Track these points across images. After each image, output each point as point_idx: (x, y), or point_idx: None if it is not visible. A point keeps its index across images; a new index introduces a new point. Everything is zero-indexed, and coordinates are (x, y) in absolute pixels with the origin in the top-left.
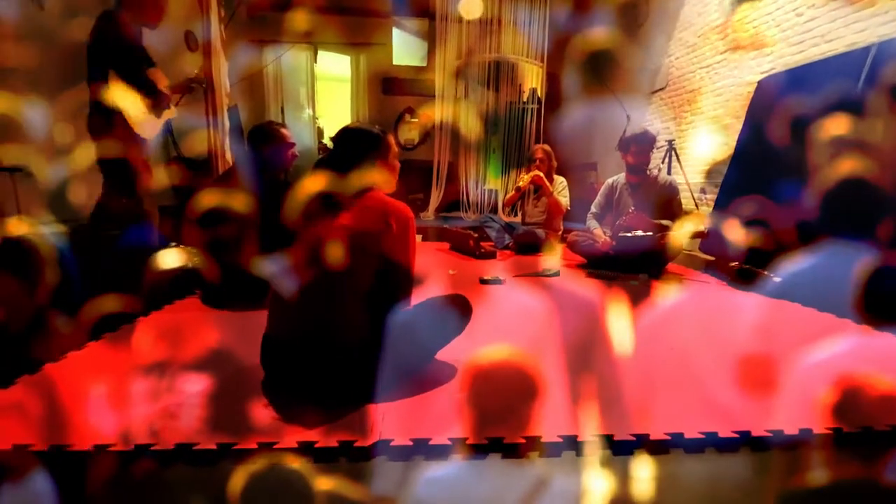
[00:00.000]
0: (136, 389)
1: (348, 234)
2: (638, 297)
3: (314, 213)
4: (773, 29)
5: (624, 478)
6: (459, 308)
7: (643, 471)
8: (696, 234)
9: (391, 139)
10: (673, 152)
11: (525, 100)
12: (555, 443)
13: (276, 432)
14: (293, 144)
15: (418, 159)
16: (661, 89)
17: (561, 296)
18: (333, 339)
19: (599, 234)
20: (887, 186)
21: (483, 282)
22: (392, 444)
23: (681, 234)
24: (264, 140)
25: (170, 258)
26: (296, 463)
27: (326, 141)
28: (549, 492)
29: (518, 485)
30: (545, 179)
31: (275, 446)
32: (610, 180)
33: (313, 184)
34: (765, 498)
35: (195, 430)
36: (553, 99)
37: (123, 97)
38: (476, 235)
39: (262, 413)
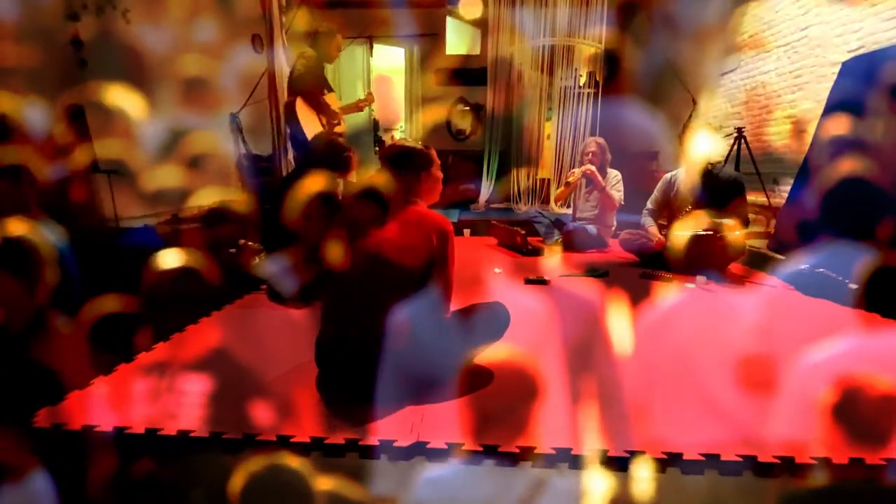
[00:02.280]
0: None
1: (392, 248)
2: (691, 301)
3: (364, 222)
4: (864, 3)
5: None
6: (498, 316)
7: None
8: (761, 234)
9: (433, 153)
10: (742, 140)
11: (581, 84)
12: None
13: (326, 428)
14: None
15: (471, 150)
16: (731, 71)
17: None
18: (377, 345)
19: (654, 231)
20: None
21: (528, 282)
22: (429, 446)
23: (741, 233)
24: (338, 156)
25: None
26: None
27: (381, 133)
28: (547, 494)
29: (516, 487)
30: (597, 174)
31: (325, 441)
32: (668, 175)
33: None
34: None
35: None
36: (612, 82)
37: (304, 115)
38: (523, 232)
39: (312, 409)
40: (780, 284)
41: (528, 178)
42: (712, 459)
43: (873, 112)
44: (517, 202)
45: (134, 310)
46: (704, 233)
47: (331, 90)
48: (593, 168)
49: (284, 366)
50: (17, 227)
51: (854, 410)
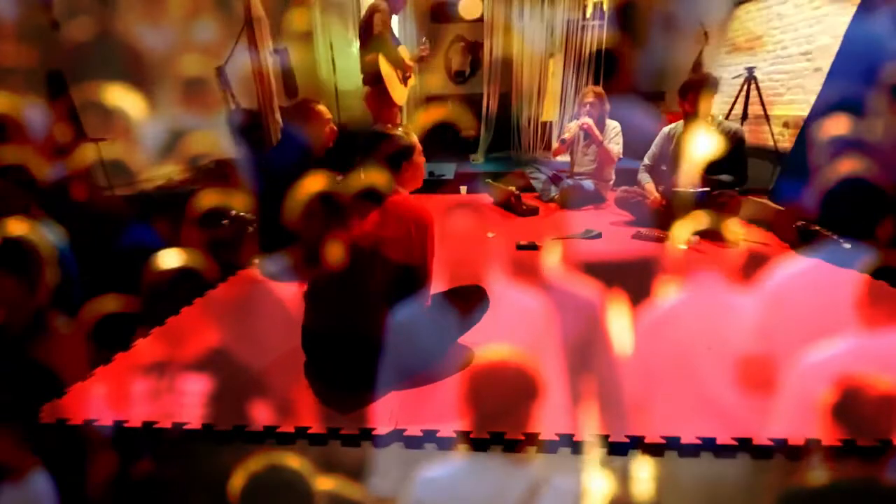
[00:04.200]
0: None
1: (372, 240)
2: (682, 264)
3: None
4: None
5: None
6: (475, 302)
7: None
8: (760, 190)
9: (414, 140)
10: (753, 82)
11: (588, 16)
12: (552, 441)
13: (311, 417)
14: (329, 120)
15: (471, 93)
16: (747, 0)
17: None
18: (357, 333)
19: (651, 189)
20: None
21: (519, 248)
22: (405, 433)
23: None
24: (303, 119)
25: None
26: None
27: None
28: (548, 491)
29: (517, 484)
30: (594, 128)
31: (308, 431)
32: (666, 129)
33: (347, 185)
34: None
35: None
36: (620, 14)
37: (387, 72)
38: (517, 193)
39: (301, 397)
40: (774, 243)
41: (530, 124)
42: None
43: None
44: (517, 150)
45: (134, 309)
46: (701, 190)
47: (399, 43)
48: (590, 122)
49: (275, 352)
50: (17, 227)
51: (847, 401)
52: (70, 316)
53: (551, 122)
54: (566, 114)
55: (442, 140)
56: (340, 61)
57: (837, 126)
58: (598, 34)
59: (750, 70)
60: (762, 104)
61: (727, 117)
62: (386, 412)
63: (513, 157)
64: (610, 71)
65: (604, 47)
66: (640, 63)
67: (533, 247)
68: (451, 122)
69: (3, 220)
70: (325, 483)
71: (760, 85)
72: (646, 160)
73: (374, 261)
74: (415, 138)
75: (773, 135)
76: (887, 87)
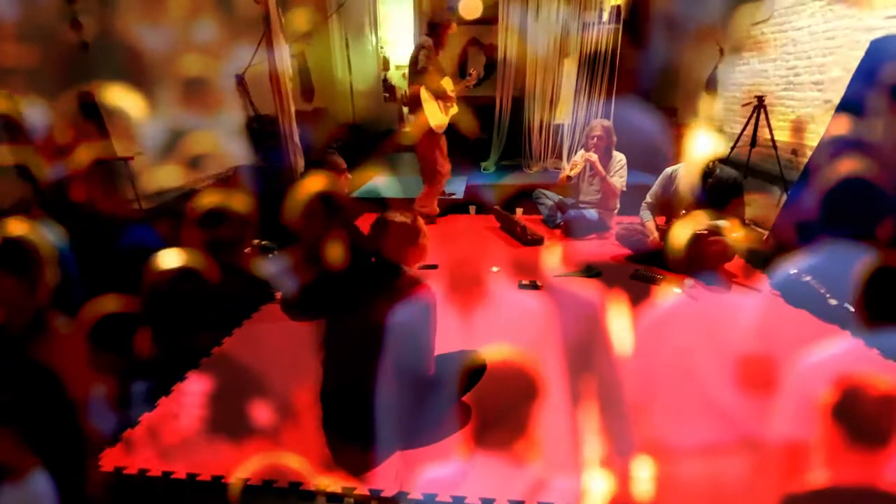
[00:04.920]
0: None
1: (381, 317)
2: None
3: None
4: None
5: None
6: (472, 374)
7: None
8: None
9: (420, 225)
10: (762, 111)
11: (605, 19)
12: None
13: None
14: (345, 170)
15: (483, 96)
16: (763, 21)
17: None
18: (369, 398)
19: (651, 227)
20: None
21: (521, 286)
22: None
23: (738, 235)
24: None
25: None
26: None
27: (392, 73)
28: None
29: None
30: (598, 165)
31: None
32: (669, 170)
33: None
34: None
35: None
36: (636, 20)
37: (428, 104)
38: (523, 224)
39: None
40: (767, 290)
41: (542, 132)
42: None
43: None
44: (528, 160)
45: (134, 310)
46: (699, 233)
47: (444, 75)
48: (594, 158)
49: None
50: (17, 227)
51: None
52: (70, 316)
53: (563, 129)
54: (578, 117)
55: (452, 146)
56: (356, 60)
57: (843, 167)
58: (613, 37)
59: (760, 99)
60: (770, 132)
61: (735, 145)
62: (391, 473)
63: (523, 166)
64: (622, 76)
65: (619, 51)
66: (654, 77)
67: (535, 286)
68: (462, 128)
69: (3, 220)
70: None
71: (771, 108)
72: (648, 198)
73: (383, 334)
74: (421, 223)
75: (779, 162)
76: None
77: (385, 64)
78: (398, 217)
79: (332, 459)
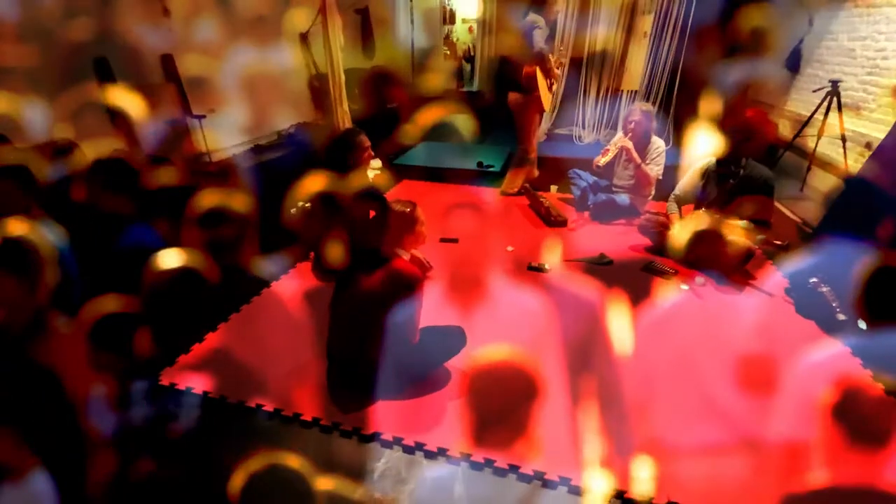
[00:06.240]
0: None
1: (371, 297)
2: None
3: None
4: None
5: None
6: (455, 340)
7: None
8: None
9: (417, 213)
10: (835, 98)
11: None
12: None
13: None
14: (369, 148)
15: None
16: None
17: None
18: (366, 358)
19: (675, 221)
20: None
21: (530, 268)
22: (385, 437)
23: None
24: (349, 150)
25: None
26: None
27: (458, 26)
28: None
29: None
30: (633, 152)
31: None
32: (703, 164)
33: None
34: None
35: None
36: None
37: (542, 83)
38: (548, 204)
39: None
40: (780, 296)
41: (597, 104)
42: None
43: None
44: (581, 129)
45: (134, 310)
46: (712, 231)
47: (551, 51)
48: (630, 145)
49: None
50: (17, 227)
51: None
52: (70, 316)
53: (622, 97)
54: (653, 80)
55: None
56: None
57: None
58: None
59: (834, 84)
60: (840, 122)
61: (799, 133)
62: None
63: (575, 142)
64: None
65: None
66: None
67: (542, 269)
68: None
69: (3, 220)
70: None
71: (853, 93)
72: (676, 190)
73: (377, 309)
74: (419, 212)
75: (845, 154)
76: None
77: (451, 17)
78: (398, 206)
79: (331, 400)
